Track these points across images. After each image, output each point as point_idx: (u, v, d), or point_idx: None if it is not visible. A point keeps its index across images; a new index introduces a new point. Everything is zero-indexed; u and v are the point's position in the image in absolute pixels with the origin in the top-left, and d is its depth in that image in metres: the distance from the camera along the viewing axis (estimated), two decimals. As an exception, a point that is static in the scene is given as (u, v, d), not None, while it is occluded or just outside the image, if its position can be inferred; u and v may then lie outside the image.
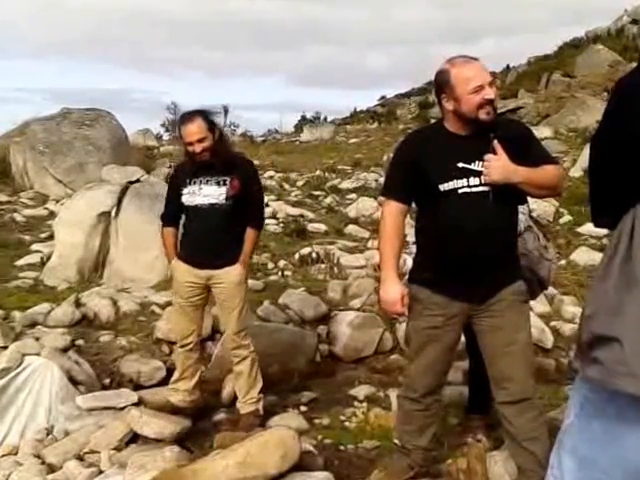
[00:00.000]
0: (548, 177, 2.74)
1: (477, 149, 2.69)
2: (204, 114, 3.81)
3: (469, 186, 2.71)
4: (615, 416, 1.46)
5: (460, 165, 2.71)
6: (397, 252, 2.91)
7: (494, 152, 2.67)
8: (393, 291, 2.84)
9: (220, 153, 3.79)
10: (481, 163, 2.69)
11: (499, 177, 2.66)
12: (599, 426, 1.51)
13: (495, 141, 2.68)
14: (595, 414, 1.52)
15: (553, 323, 5.39)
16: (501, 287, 2.79)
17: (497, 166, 2.66)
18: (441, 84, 2.77)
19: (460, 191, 2.72)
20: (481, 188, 2.70)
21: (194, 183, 3.78)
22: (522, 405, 2.79)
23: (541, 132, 13.05)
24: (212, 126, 3.78)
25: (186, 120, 3.76)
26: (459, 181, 2.71)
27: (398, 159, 2.97)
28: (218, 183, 3.75)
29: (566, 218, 8.75)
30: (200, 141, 3.69)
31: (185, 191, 3.80)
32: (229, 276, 3.78)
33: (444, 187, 2.73)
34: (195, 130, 3.70)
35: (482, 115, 2.68)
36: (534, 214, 3.80)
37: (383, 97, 35.81)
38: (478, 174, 2.69)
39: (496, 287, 2.79)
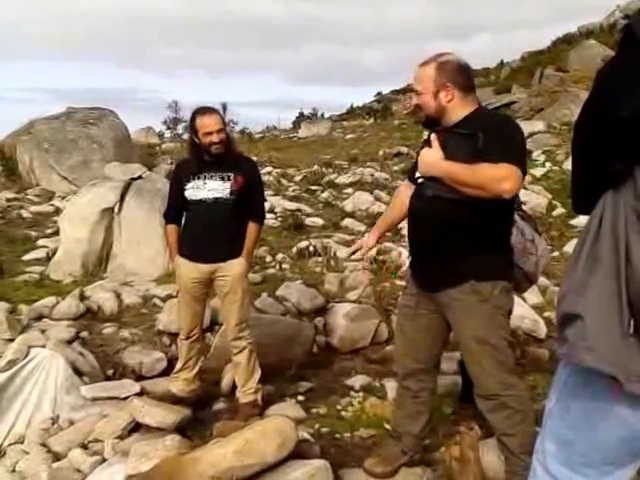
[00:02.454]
0: (470, 175, 2.57)
1: (442, 142, 2.75)
2: (216, 110, 3.97)
3: (421, 177, 2.85)
4: (591, 400, 1.51)
5: None
6: (389, 217, 3.31)
7: (430, 146, 2.76)
8: (363, 239, 3.31)
9: (229, 149, 3.89)
10: None
11: (421, 170, 2.78)
12: (576, 410, 1.56)
13: (432, 135, 2.76)
14: (573, 398, 1.57)
15: (546, 314, 5.44)
16: (446, 282, 2.79)
17: (421, 160, 2.77)
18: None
19: (419, 181, 2.88)
20: (421, 180, 2.85)
21: (198, 178, 3.84)
22: (494, 403, 2.81)
23: (534, 126, 13.11)
24: (224, 121, 3.92)
25: (206, 111, 3.86)
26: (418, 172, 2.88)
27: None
28: (222, 178, 3.83)
29: (559, 210, 8.81)
30: (219, 132, 3.79)
31: (189, 186, 3.85)
32: (232, 269, 3.85)
33: (416, 175, 2.92)
34: (216, 120, 3.82)
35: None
36: (526, 207, 3.80)
37: (379, 93, 35.79)
38: None
39: (439, 280, 2.82)
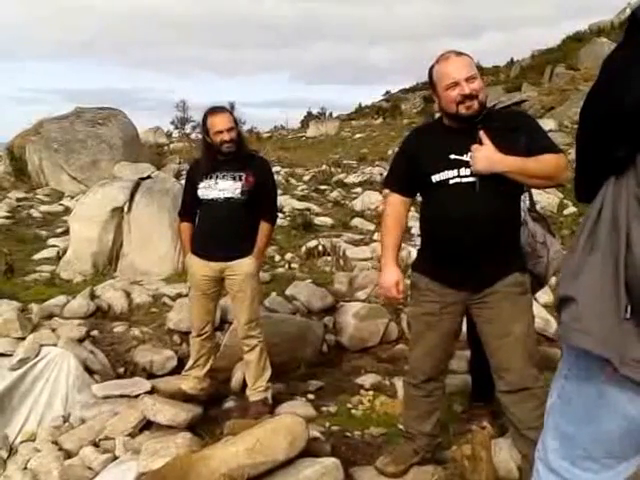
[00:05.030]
0: (541, 166, 2.66)
1: (470, 141, 2.70)
2: (227, 109, 4.01)
3: (459, 176, 2.72)
4: (591, 394, 1.52)
5: (452, 157, 2.74)
6: (396, 241, 3.01)
7: (481, 143, 2.68)
8: (389, 277, 2.96)
9: (241, 148, 3.92)
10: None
11: (482, 167, 2.66)
12: (577, 404, 1.56)
13: (481, 132, 2.68)
14: (574, 393, 1.57)
15: None
16: (495, 278, 2.77)
17: (480, 156, 2.66)
18: (429, 81, 2.86)
19: (451, 182, 2.74)
20: (471, 178, 2.71)
21: (210, 178, 3.87)
22: (521, 395, 2.78)
23: (545, 125, 13.02)
24: (236, 121, 3.95)
25: (217, 110, 3.90)
26: (450, 172, 2.75)
27: (399, 153, 3.08)
28: (234, 178, 3.84)
29: (570, 209, 8.78)
30: (229, 130, 3.82)
31: (201, 185, 3.88)
32: (243, 268, 3.86)
33: (436, 178, 2.78)
34: (227, 119, 3.85)
35: (462, 110, 2.71)
36: (537, 206, 3.76)
37: (387, 92, 35.92)
38: (469, 165, 2.72)
39: (489, 277, 2.78)
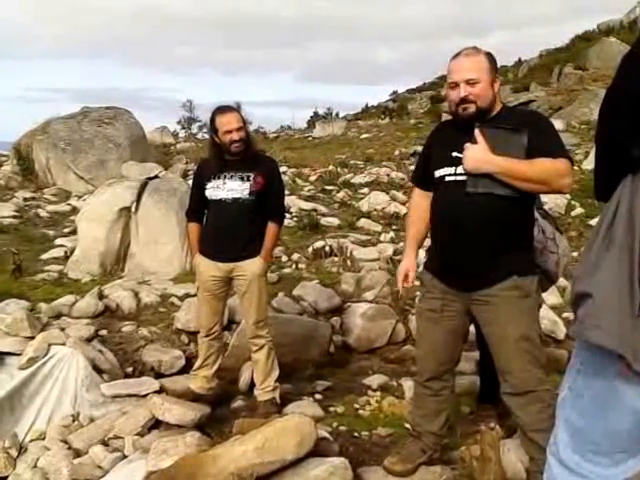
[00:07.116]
0: (535, 170, 2.57)
1: (471, 139, 2.67)
2: (236, 108, 4.00)
3: (455, 174, 2.73)
4: (602, 388, 1.53)
5: (454, 154, 2.73)
6: (417, 232, 3.08)
7: (476, 142, 2.64)
8: (402, 264, 3.07)
9: (249, 148, 3.91)
10: None
11: (470, 166, 2.63)
12: (588, 398, 1.58)
13: (476, 131, 2.65)
14: (585, 386, 1.58)
15: (565, 314, 5.40)
16: (489, 280, 2.73)
17: (470, 155, 2.63)
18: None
19: (447, 178, 2.77)
20: (464, 177, 2.69)
21: (218, 178, 3.86)
22: (526, 397, 2.77)
23: (553, 125, 13.05)
24: (244, 120, 3.95)
25: (226, 110, 3.89)
26: (448, 169, 2.75)
27: (422, 149, 3.15)
28: (242, 178, 3.84)
29: (578, 210, 8.77)
30: (238, 130, 3.81)
31: (209, 185, 3.88)
32: (250, 268, 3.86)
33: (437, 174, 2.82)
34: (236, 118, 3.85)
35: (460, 111, 2.73)
36: (545, 207, 3.75)
37: (394, 92, 35.95)
38: None
39: (480, 280, 2.75)
